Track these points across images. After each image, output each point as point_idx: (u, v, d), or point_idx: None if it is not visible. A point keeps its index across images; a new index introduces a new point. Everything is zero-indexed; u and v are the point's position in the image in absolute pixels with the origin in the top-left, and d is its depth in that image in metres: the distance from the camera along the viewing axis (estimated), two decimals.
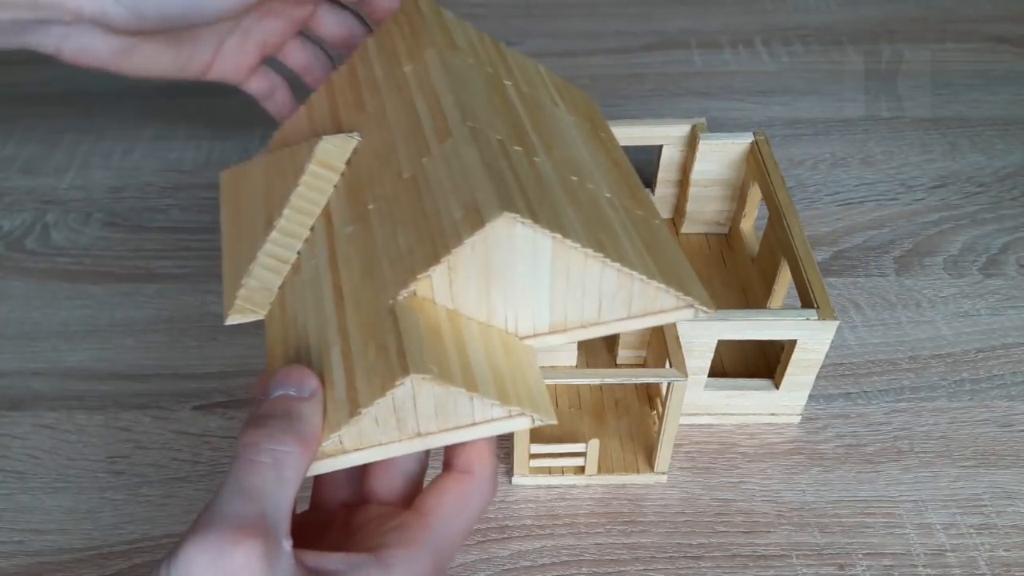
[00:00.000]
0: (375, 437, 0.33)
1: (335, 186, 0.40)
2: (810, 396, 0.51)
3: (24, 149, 0.71)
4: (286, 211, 0.38)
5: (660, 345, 0.46)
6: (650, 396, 0.52)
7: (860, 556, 0.45)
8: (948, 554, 0.46)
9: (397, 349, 0.31)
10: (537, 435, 0.50)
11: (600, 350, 0.55)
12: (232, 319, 0.39)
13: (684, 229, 0.62)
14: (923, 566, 0.45)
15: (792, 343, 0.47)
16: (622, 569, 0.45)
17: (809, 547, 0.46)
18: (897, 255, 0.62)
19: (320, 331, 0.35)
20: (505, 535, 0.46)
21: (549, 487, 0.49)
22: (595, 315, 0.37)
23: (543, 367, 0.39)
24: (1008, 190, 0.67)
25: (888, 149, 0.71)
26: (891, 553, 0.46)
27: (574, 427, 0.51)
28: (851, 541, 0.46)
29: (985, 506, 0.48)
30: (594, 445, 0.47)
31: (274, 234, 0.38)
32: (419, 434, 0.34)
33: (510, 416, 0.34)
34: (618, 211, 0.39)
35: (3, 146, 0.71)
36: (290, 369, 0.33)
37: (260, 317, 0.39)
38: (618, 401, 0.52)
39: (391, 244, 0.35)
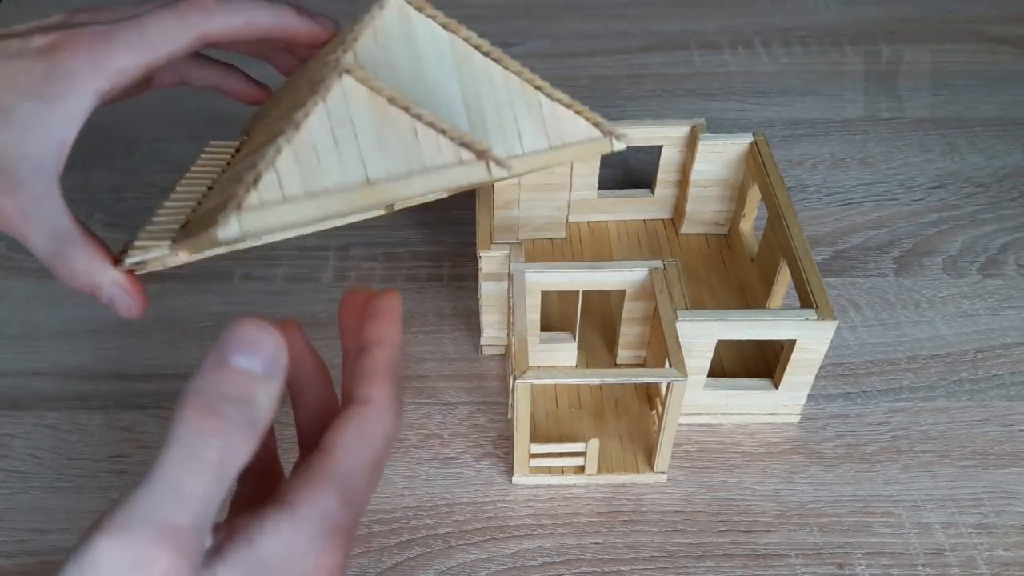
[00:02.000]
0: (319, 179, 0.30)
1: (232, 153, 0.40)
2: (809, 396, 0.51)
3: None
4: (187, 174, 0.39)
5: (660, 345, 0.47)
6: (650, 396, 0.52)
7: (859, 556, 0.46)
8: (947, 553, 0.46)
9: (328, 81, 0.30)
10: (537, 435, 0.50)
11: (600, 350, 0.55)
12: (133, 257, 0.36)
13: (684, 229, 0.62)
14: (922, 565, 0.45)
15: (791, 343, 0.47)
16: (622, 569, 0.45)
17: (808, 547, 0.46)
18: (896, 255, 0.62)
19: (231, 177, 0.34)
20: (505, 535, 0.46)
21: (549, 487, 0.49)
22: (516, 142, 0.36)
23: (543, 367, 0.38)
24: (1007, 190, 0.67)
25: (887, 149, 0.71)
26: (890, 553, 0.46)
27: (574, 427, 0.51)
28: (850, 541, 0.46)
29: (984, 506, 0.48)
30: (594, 445, 0.47)
31: (175, 191, 0.38)
32: (367, 181, 0.31)
33: (461, 163, 0.32)
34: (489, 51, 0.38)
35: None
36: (260, 330, 0.27)
37: (159, 252, 0.35)
38: (618, 401, 0.52)
39: (274, 121, 0.34)
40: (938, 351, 0.56)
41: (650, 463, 0.49)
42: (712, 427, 0.52)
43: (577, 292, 0.50)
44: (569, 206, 0.61)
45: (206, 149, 0.41)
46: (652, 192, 0.62)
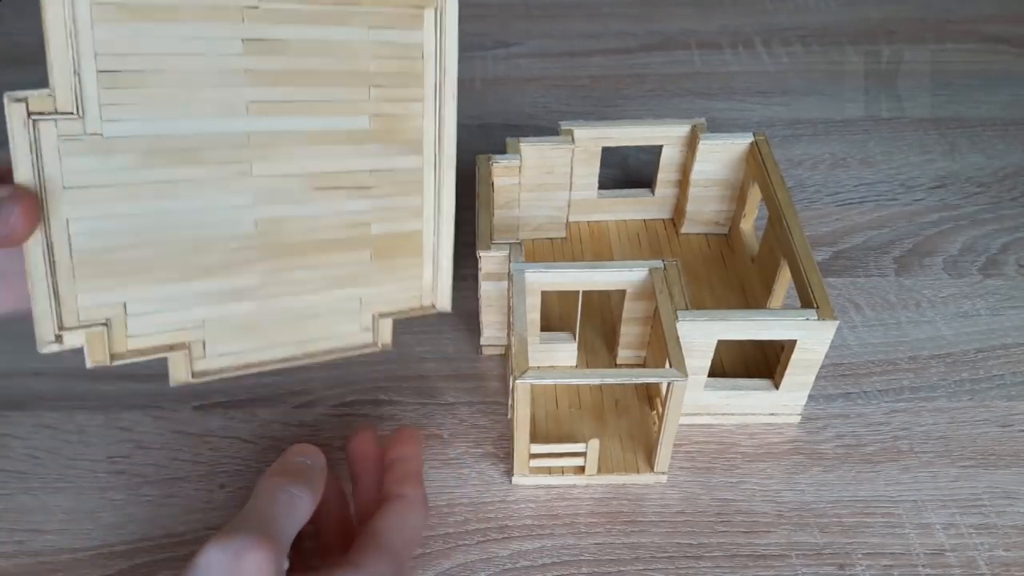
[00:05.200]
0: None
1: None
2: (810, 396, 0.51)
3: None
4: None
5: (660, 345, 0.47)
6: (650, 396, 0.52)
7: (860, 556, 0.46)
8: (947, 554, 0.46)
9: None
10: (537, 435, 0.50)
11: (600, 350, 0.55)
12: None
13: (684, 229, 0.62)
14: (923, 566, 0.45)
15: (792, 343, 0.47)
16: (622, 569, 0.45)
17: (809, 547, 0.46)
18: (897, 255, 0.62)
19: None
20: (505, 535, 0.46)
21: (549, 487, 0.49)
22: None
23: (543, 367, 0.39)
24: (1008, 190, 0.67)
25: (888, 149, 0.71)
26: (891, 553, 0.46)
27: (574, 427, 0.51)
28: (851, 541, 0.46)
29: (984, 506, 0.48)
30: (594, 445, 0.47)
31: None
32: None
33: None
34: None
35: (3, 145, 0.71)
36: (308, 445, 0.41)
37: None
38: (618, 401, 0.52)
39: None
40: (939, 351, 0.56)
41: (650, 463, 0.49)
42: (712, 427, 0.52)
43: (577, 292, 0.50)
44: (569, 206, 0.61)
45: None
46: (652, 192, 0.62)
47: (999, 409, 0.52)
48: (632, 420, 0.51)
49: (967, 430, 0.51)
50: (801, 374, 0.49)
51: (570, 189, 0.59)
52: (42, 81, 0.35)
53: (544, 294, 0.50)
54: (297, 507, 0.37)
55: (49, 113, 0.35)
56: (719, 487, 0.49)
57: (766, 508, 0.48)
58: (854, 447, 0.50)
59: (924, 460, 0.50)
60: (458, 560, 0.45)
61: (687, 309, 0.46)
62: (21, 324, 0.57)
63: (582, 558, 0.45)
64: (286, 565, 0.35)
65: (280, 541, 0.35)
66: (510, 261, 0.49)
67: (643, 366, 0.54)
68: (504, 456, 0.50)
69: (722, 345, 0.48)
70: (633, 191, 0.63)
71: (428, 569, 0.45)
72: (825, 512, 0.47)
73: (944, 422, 0.52)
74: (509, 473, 0.49)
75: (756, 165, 0.56)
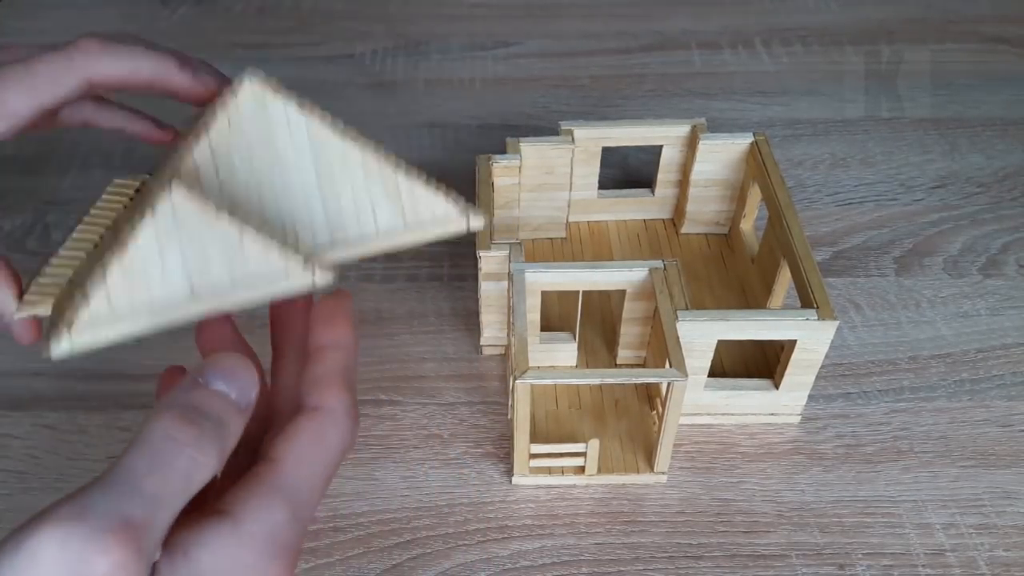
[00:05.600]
0: (147, 293, 0.31)
1: (125, 204, 0.40)
2: (810, 396, 0.51)
3: (25, 149, 0.71)
4: (80, 225, 0.39)
5: (660, 345, 0.47)
6: (650, 396, 0.52)
7: (860, 556, 0.45)
8: (948, 554, 0.46)
9: (164, 181, 0.31)
10: (537, 435, 0.50)
11: (600, 350, 0.55)
12: (22, 313, 0.37)
13: (684, 229, 0.62)
14: (923, 566, 0.45)
15: (792, 343, 0.47)
16: (622, 569, 0.45)
17: (809, 547, 0.46)
18: (897, 255, 0.62)
19: (92, 261, 0.35)
20: (505, 535, 0.46)
21: (549, 487, 0.49)
22: (371, 223, 0.36)
23: (543, 367, 0.39)
24: (1008, 190, 0.67)
25: (888, 149, 0.71)
26: (891, 553, 0.46)
27: (574, 427, 0.51)
28: (851, 541, 0.46)
29: (984, 506, 0.48)
30: (594, 445, 0.47)
31: (67, 241, 0.39)
32: (192, 294, 0.31)
33: (287, 273, 0.32)
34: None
35: (3, 146, 0.71)
36: (239, 361, 0.29)
37: (46, 309, 0.37)
38: (618, 401, 0.52)
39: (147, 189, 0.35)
40: (939, 351, 0.55)
41: (650, 463, 0.49)
42: (712, 427, 0.52)
43: (577, 292, 0.50)
44: (569, 206, 0.61)
45: (109, 189, 0.41)
46: (652, 192, 0.62)
47: (999, 409, 0.52)
48: (632, 420, 0.51)
49: (967, 430, 0.51)
50: (801, 374, 0.49)
51: (570, 189, 0.59)
52: None
53: (544, 294, 0.50)
54: (193, 475, 0.25)
55: None
56: (719, 487, 0.49)
57: (766, 508, 0.48)
58: (854, 447, 0.50)
59: (924, 460, 0.50)
60: (458, 560, 0.45)
61: (687, 309, 0.46)
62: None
63: (582, 558, 0.45)
64: (158, 555, 0.25)
65: (153, 530, 0.24)
66: (510, 261, 0.49)
67: (643, 366, 0.54)
68: (504, 456, 0.50)
69: (722, 345, 0.48)
70: (633, 191, 0.63)
71: (428, 569, 0.45)
72: (825, 512, 0.47)
73: (944, 422, 0.52)
74: (509, 473, 0.49)
75: (756, 165, 0.56)
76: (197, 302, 0.31)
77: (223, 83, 0.40)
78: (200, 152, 0.32)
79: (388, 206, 0.36)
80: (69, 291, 0.34)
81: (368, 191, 0.36)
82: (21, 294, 0.38)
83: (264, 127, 0.34)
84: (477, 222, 0.37)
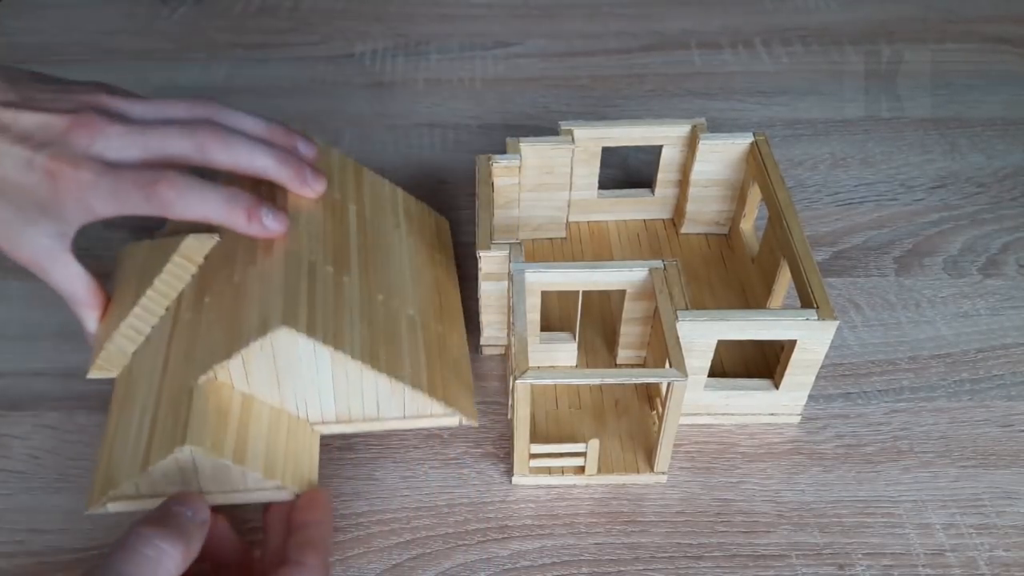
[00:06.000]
0: (165, 488, 0.42)
1: (192, 275, 0.48)
2: (810, 396, 0.51)
3: None
4: (149, 292, 0.47)
5: (660, 345, 0.47)
6: (650, 396, 0.52)
7: (860, 556, 0.46)
8: (948, 554, 0.46)
9: (184, 422, 0.41)
10: (537, 435, 0.50)
11: (600, 350, 0.55)
12: (93, 374, 0.48)
13: (684, 229, 0.62)
14: (923, 566, 0.45)
15: (792, 343, 0.47)
16: (622, 569, 0.45)
17: (809, 547, 0.46)
18: (897, 255, 0.62)
19: (146, 396, 0.44)
20: (505, 535, 0.46)
21: (549, 487, 0.49)
22: (375, 412, 0.46)
23: (543, 367, 0.40)
24: (1008, 190, 0.67)
25: (888, 149, 0.71)
26: (891, 553, 0.46)
27: (574, 427, 0.51)
28: (851, 541, 0.46)
29: (985, 506, 0.48)
30: (594, 445, 0.47)
31: (136, 309, 0.47)
32: (201, 491, 0.42)
33: (278, 488, 0.42)
34: (415, 328, 0.48)
35: None
36: (191, 495, 0.40)
37: (113, 376, 0.48)
38: (618, 401, 0.52)
39: (209, 335, 0.44)
40: (939, 351, 0.56)
41: (650, 463, 0.49)
42: (712, 427, 0.52)
43: (577, 292, 0.50)
44: (569, 206, 0.61)
45: (175, 259, 0.47)
46: (652, 192, 0.62)
47: (999, 409, 0.52)
48: (632, 420, 0.51)
49: (967, 430, 0.51)
50: (801, 374, 0.49)
51: (570, 189, 0.59)
52: None
53: (544, 294, 0.50)
54: (163, 564, 0.35)
55: None
56: (719, 487, 0.49)
57: (766, 508, 0.48)
58: (854, 447, 0.50)
59: (924, 460, 0.50)
60: (458, 560, 0.45)
61: (687, 309, 0.46)
62: (21, 324, 0.57)
63: (582, 558, 0.45)
64: None
65: None
66: (510, 261, 0.49)
67: (643, 366, 0.54)
68: (504, 456, 0.50)
69: (722, 345, 0.48)
70: (633, 191, 0.63)
71: (428, 569, 0.45)
72: (825, 512, 0.47)
73: (944, 422, 0.52)
74: (509, 473, 0.49)
75: (756, 165, 0.56)
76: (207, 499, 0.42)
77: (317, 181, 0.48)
78: (234, 365, 0.42)
79: (392, 404, 0.46)
80: (112, 457, 0.43)
81: (376, 394, 0.45)
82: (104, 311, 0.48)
83: (292, 351, 0.42)
84: (468, 422, 0.47)
